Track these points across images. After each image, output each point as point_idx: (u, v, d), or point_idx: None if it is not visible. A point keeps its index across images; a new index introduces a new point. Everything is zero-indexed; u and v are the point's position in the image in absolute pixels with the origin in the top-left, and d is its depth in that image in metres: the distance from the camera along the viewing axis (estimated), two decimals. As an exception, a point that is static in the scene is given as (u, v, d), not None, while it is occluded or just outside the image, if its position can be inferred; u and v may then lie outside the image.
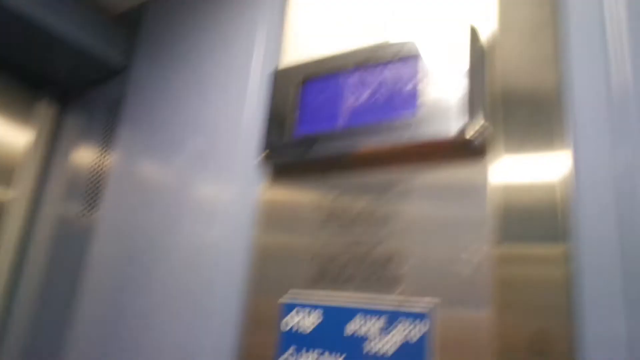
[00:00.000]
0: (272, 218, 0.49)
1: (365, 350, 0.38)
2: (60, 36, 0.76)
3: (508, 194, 0.38)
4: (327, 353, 0.40)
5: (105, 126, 0.86)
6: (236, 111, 0.65)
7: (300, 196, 0.48)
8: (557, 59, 0.43)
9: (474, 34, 0.40)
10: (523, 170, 0.39)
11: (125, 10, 0.88)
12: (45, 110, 0.92)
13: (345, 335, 0.39)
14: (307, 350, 0.41)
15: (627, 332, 0.35)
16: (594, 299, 0.36)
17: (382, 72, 0.43)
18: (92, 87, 0.92)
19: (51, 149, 0.92)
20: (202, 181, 0.65)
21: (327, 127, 0.45)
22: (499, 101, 0.40)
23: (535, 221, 0.38)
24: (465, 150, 0.39)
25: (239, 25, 0.71)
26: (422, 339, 0.36)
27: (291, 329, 0.42)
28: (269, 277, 0.46)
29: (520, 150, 0.40)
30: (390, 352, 0.37)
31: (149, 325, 0.62)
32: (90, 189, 0.83)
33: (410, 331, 0.37)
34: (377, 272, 0.40)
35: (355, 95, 0.44)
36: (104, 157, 0.83)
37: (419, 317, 0.37)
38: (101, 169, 0.83)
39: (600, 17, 0.42)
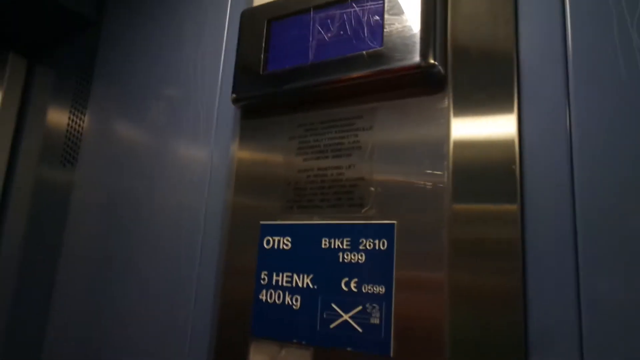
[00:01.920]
0: (247, 158, 0.52)
1: (339, 261, 0.42)
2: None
3: (459, 150, 0.41)
4: (306, 264, 0.44)
5: (79, 81, 0.86)
6: (213, 59, 0.66)
7: (273, 132, 0.50)
8: (509, 13, 0.46)
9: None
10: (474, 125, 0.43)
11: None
12: (15, 66, 0.91)
13: (321, 248, 0.43)
14: (286, 264, 0.45)
15: (576, 288, 0.38)
16: (544, 257, 0.41)
17: (348, 7, 0.46)
18: (64, 42, 0.91)
19: (23, 105, 0.92)
20: (179, 129, 0.67)
21: (296, 63, 0.47)
22: (451, 51, 0.43)
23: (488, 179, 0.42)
24: (427, 78, 0.42)
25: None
26: (390, 246, 0.40)
27: (272, 247, 0.46)
28: (250, 203, 0.50)
29: (471, 106, 0.43)
30: (362, 261, 0.41)
31: (133, 272, 0.65)
32: (67, 145, 0.84)
33: (379, 240, 0.41)
34: (345, 196, 0.44)
35: (322, 31, 0.47)
36: (79, 112, 0.84)
37: (387, 227, 0.41)
38: (77, 125, 0.83)
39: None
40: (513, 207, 0.43)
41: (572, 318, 0.38)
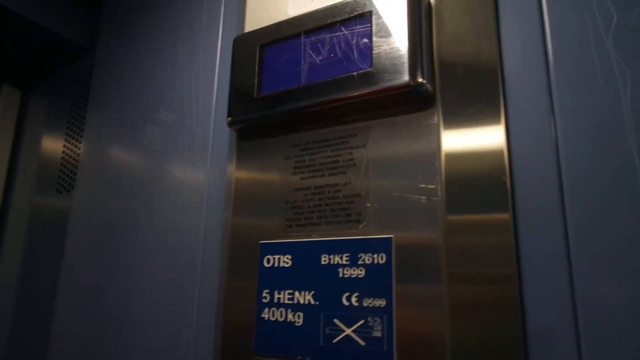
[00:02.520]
0: (244, 179, 0.53)
1: (339, 276, 0.43)
2: (22, 16, 0.76)
3: (450, 163, 0.43)
4: (307, 281, 0.45)
5: (73, 108, 0.87)
6: (207, 83, 0.68)
7: (269, 153, 0.52)
8: (491, 30, 0.48)
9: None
10: (462, 139, 0.44)
11: (86, -10, 0.88)
12: (9, 97, 0.92)
13: (321, 264, 0.44)
14: (287, 282, 0.46)
15: (571, 294, 0.40)
16: (538, 264, 0.42)
17: (338, 31, 0.47)
18: (58, 69, 0.93)
19: (18, 134, 0.93)
20: (175, 153, 0.68)
21: (289, 86, 0.49)
22: (438, 69, 0.45)
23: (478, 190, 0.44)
24: (416, 96, 0.44)
25: (201, -1, 0.73)
26: (388, 260, 0.41)
27: (272, 265, 0.47)
28: (249, 223, 0.51)
29: (460, 121, 0.45)
30: (362, 275, 0.42)
31: (133, 296, 0.66)
32: (62, 172, 0.84)
33: (377, 254, 0.42)
34: (343, 213, 0.45)
35: (313, 54, 0.48)
36: (74, 139, 0.85)
37: (384, 241, 0.42)
38: (72, 152, 0.84)
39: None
40: (505, 217, 0.44)
41: (569, 323, 0.40)
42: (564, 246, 0.41)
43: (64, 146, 0.85)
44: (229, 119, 0.53)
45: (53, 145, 0.87)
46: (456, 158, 0.43)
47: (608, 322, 0.38)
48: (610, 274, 0.39)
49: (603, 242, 0.40)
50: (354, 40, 0.46)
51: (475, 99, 0.47)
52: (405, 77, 0.43)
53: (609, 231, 0.40)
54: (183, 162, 0.67)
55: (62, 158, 0.84)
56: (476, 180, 0.45)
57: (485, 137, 0.46)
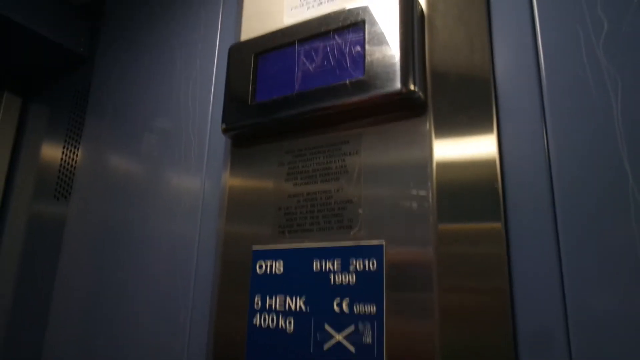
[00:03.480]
0: (238, 185, 0.53)
1: (331, 283, 0.43)
2: (23, 26, 0.77)
3: (441, 171, 0.43)
4: (298, 287, 0.45)
5: (72, 116, 0.88)
6: (204, 91, 0.69)
7: (263, 160, 0.52)
8: (484, 38, 0.49)
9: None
10: (453, 149, 0.44)
11: (87, 0, 0.90)
12: (9, 104, 0.93)
13: (313, 270, 0.44)
14: (279, 288, 0.46)
15: (562, 301, 0.40)
16: (529, 273, 0.42)
17: (331, 40, 0.48)
18: (57, 78, 0.94)
19: (17, 141, 0.93)
20: (171, 160, 0.69)
21: (283, 93, 0.49)
22: (430, 77, 0.45)
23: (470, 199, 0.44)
24: (408, 104, 0.44)
25: (200, 7, 0.74)
26: (379, 266, 0.41)
27: (264, 271, 0.47)
28: (242, 229, 0.51)
29: (452, 129, 0.45)
30: (353, 282, 0.42)
31: (127, 303, 0.65)
32: (60, 179, 0.85)
33: (368, 261, 0.42)
34: (335, 219, 0.45)
35: (307, 62, 0.49)
36: (72, 146, 0.85)
37: (375, 248, 0.42)
38: (70, 159, 0.85)
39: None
40: (497, 225, 0.44)
41: (560, 330, 0.39)
42: (555, 254, 0.41)
43: (63, 153, 0.86)
44: (223, 125, 0.53)
45: (52, 152, 0.88)
46: (448, 166, 0.43)
47: (599, 330, 0.38)
48: (601, 282, 0.39)
49: (594, 250, 0.40)
50: (347, 49, 0.47)
51: (467, 107, 0.47)
52: (397, 85, 0.43)
53: (601, 239, 0.40)
54: (179, 170, 0.67)
55: (61, 165, 0.85)
56: (468, 189, 0.45)
57: (477, 145, 0.47)
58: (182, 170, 0.67)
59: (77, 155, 0.83)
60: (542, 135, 0.44)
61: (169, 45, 0.76)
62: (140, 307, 0.64)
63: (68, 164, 0.84)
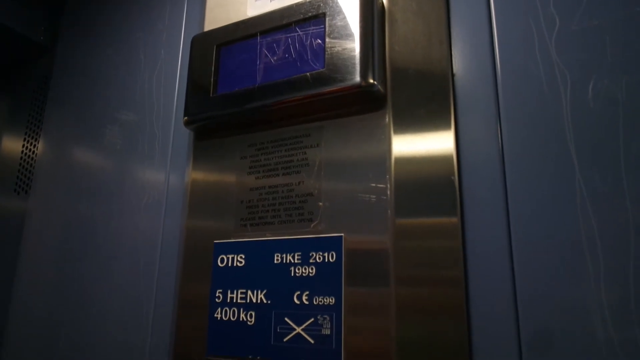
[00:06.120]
0: (201, 179, 0.53)
1: (291, 275, 0.43)
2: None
3: (400, 164, 0.43)
4: (259, 280, 0.45)
5: (33, 107, 0.85)
6: (168, 83, 0.67)
7: (225, 153, 0.52)
8: (442, 33, 0.50)
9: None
10: (412, 145, 0.45)
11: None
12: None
13: (274, 263, 0.45)
14: (240, 281, 0.46)
15: (513, 292, 0.41)
16: (483, 266, 0.43)
17: (293, 32, 0.48)
18: (18, 68, 0.91)
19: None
20: (135, 153, 0.67)
21: (245, 86, 0.49)
22: (389, 71, 0.46)
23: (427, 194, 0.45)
24: (368, 97, 0.44)
25: (163, -2, 0.72)
26: (338, 258, 0.42)
27: (226, 264, 0.47)
28: (204, 223, 0.51)
29: (411, 123, 0.46)
30: (312, 274, 0.42)
31: (89, 299, 0.64)
32: (21, 172, 0.82)
33: (328, 253, 0.42)
34: (296, 212, 0.46)
35: (269, 55, 0.49)
36: (33, 140, 0.83)
37: (335, 240, 0.42)
38: (31, 152, 0.82)
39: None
40: (454, 220, 0.45)
41: (511, 323, 0.41)
42: (507, 248, 0.42)
43: (23, 146, 0.83)
44: (185, 118, 0.52)
45: (12, 144, 0.85)
46: (406, 160, 0.44)
47: (548, 317, 0.39)
48: (550, 273, 0.40)
49: (544, 241, 0.41)
50: (308, 41, 0.47)
51: (426, 101, 0.48)
52: (357, 78, 0.43)
53: (549, 230, 0.41)
54: (143, 163, 0.66)
55: (21, 158, 0.82)
56: (425, 183, 0.46)
57: (435, 140, 0.47)
58: (146, 164, 0.66)
59: (37, 149, 0.80)
60: (497, 129, 0.45)
61: (134, 36, 0.75)
62: (103, 304, 0.63)
63: (29, 157, 0.82)
